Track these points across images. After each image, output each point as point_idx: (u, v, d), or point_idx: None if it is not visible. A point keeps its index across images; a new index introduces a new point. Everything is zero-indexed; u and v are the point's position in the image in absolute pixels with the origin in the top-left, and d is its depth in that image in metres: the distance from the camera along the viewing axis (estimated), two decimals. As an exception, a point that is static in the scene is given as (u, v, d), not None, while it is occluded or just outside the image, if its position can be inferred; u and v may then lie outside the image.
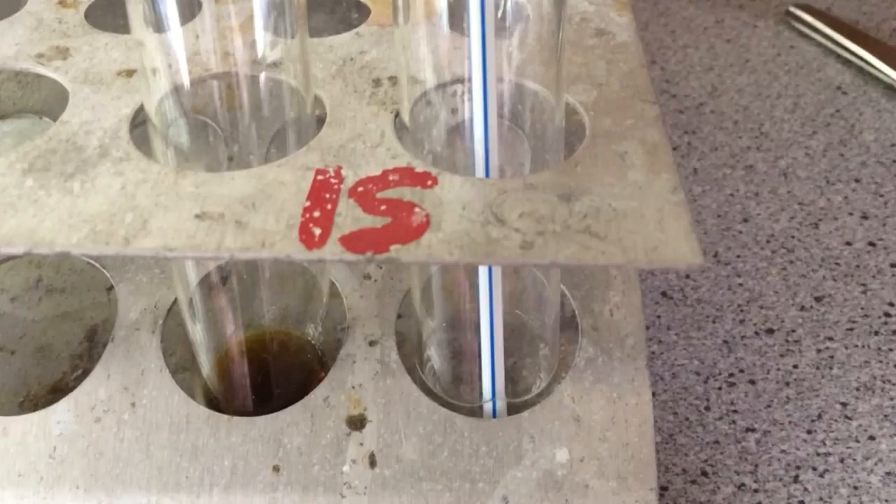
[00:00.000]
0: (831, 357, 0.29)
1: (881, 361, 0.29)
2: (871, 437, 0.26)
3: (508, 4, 0.20)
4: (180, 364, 0.24)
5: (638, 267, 0.17)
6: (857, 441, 0.26)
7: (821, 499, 0.25)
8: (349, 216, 0.18)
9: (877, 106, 0.40)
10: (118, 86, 0.22)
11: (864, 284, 0.32)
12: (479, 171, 0.20)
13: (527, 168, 0.21)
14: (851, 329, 0.30)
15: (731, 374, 0.28)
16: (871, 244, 0.33)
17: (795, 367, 0.29)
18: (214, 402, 0.24)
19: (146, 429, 0.22)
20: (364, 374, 0.22)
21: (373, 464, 0.21)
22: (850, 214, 0.34)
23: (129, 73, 0.23)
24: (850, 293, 0.31)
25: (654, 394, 0.27)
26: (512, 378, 0.24)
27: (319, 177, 0.19)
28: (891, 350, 0.29)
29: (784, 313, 0.31)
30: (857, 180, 0.36)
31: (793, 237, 0.34)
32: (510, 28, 0.20)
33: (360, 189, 0.18)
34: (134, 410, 0.22)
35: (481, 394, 0.23)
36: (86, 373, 0.23)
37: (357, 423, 0.22)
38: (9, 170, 0.19)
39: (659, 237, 0.17)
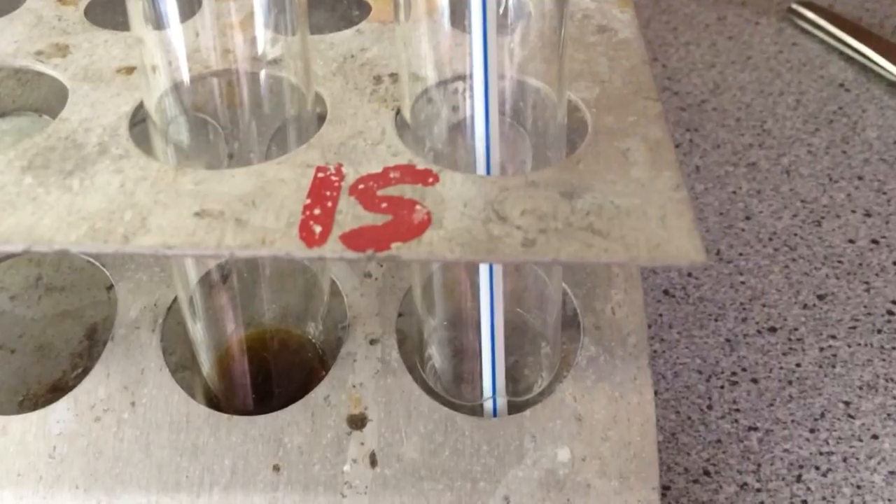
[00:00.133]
0: (834, 356, 0.29)
1: (884, 360, 0.29)
2: (875, 437, 0.26)
3: (510, 1, 0.20)
4: (180, 363, 0.24)
5: (640, 265, 0.17)
6: (861, 440, 0.26)
7: (824, 498, 0.25)
8: (350, 214, 0.18)
9: (879, 103, 0.40)
10: (118, 83, 0.22)
11: (867, 282, 0.31)
12: (481, 168, 0.20)
13: (528, 166, 0.21)
14: (854, 327, 0.30)
15: (734, 373, 0.28)
16: (874, 242, 0.33)
17: (798, 365, 0.29)
18: (214, 401, 0.23)
19: (146, 428, 0.21)
20: (365, 372, 0.22)
21: (373, 463, 0.21)
22: (853, 212, 0.34)
23: (129, 70, 0.23)
24: (852, 291, 0.31)
25: (655, 393, 0.27)
26: (513, 377, 0.24)
27: (320, 174, 0.19)
28: (894, 348, 0.29)
29: (787, 312, 0.30)
30: (859, 178, 0.36)
31: (795, 235, 0.33)
32: (512, 25, 0.20)
33: (361, 186, 0.18)
34: (134, 409, 0.22)
35: (482, 392, 0.23)
36: (85, 371, 0.23)
37: (358, 422, 0.22)
38: (7, 167, 0.19)
39: (662, 235, 0.17)
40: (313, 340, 0.25)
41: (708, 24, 0.47)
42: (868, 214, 0.34)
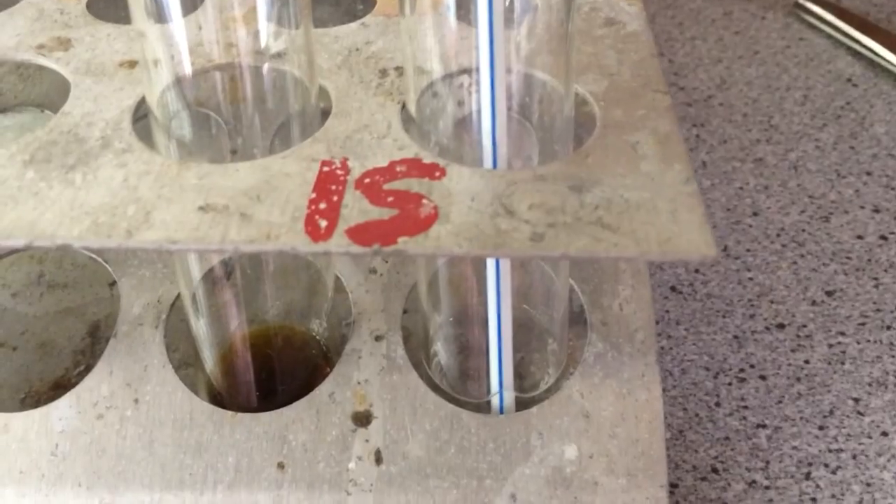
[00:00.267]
0: (843, 352, 0.29)
1: (893, 356, 0.28)
2: (884, 434, 0.26)
3: (517, -7, 0.19)
4: (183, 360, 0.23)
5: (651, 259, 0.16)
6: (870, 437, 0.26)
7: (833, 496, 0.25)
8: (356, 208, 0.17)
9: (888, 98, 0.40)
10: (120, 77, 0.22)
11: (876, 278, 0.31)
12: (487, 163, 0.19)
13: (535, 162, 0.21)
14: (863, 324, 0.30)
15: (742, 370, 0.28)
16: (883, 238, 0.33)
17: (807, 362, 0.28)
18: (218, 399, 0.23)
19: (149, 425, 0.21)
20: (370, 369, 0.22)
21: (379, 461, 0.21)
22: (862, 208, 0.34)
23: (132, 64, 0.23)
24: (861, 287, 0.31)
25: (663, 390, 0.27)
26: (520, 374, 0.23)
27: (325, 168, 0.19)
28: (904, 345, 0.29)
29: (795, 308, 0.30)
30: (868, 173, 0.36)
31: (803, 231, 0.33)
32: (518, 18, 0.20)
33: (367, 180, 0.18)
34: (137, 407, 0.22)
35: (489, 389, 0.22)
36: (88, 369, 0.22)
37: (363, 419, 0.21)
38: (9, 161, 0.19)
39: (672, 229, 0.17)
40: (317, 337, 0.25)
41: (714, 19, 0.46)
42: (877, 210, 0.34)
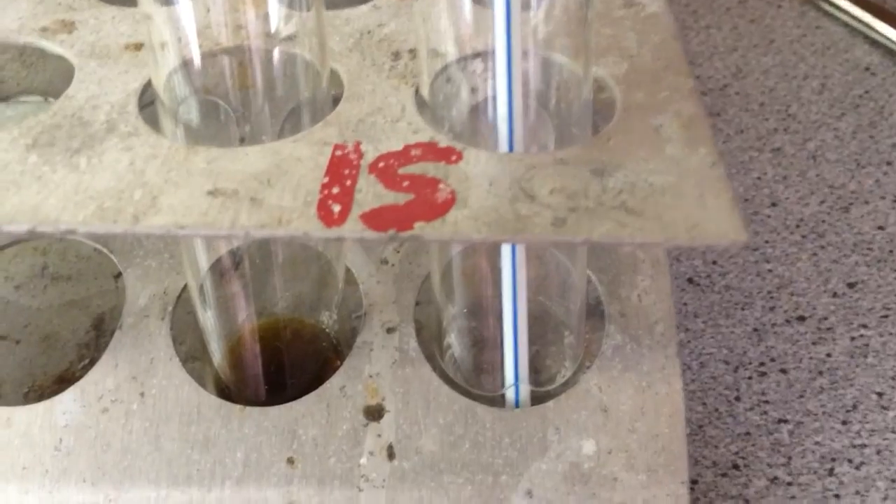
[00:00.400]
0: (866, 345, 0.28)
1: (918, 350, 0.28)
2: (910, 429, 0.25)
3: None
4: (190, 353, 0.23)
5: (678, 245, 0.16)
6: (894, 432, 0.25)
7: (857, 492, 0.24)
8: (370, 192, 0.17)
9: (906, 87, 0.39)
10: (126, 60, 0.22)
11: (898, 270, 0.30)
12: (503, 149, 0.19)
13: (551, 148, 0.20)
14: (886, 316, 0.29)
15: (762, 364, 0.28)
16: (905, 229, 0.32)
17: (829, 355, 0.28)
18: (226, 392, 0.23)
19: (155, 419, 0.21)
20: (382, 362, 0.22)
21: (391, 456, 0.20)
22: (882, 198, 0.33)
23: (138, 46, 0.22)
24: (883, 279, 0.30)
25: (681, 383, 0.26)
26: (535, 367, 0.23)
27: (338, 152, 0.18)
28: (928, 338, 0.28)
29: (816, 300, 0.29)
30: (888, 163, 0.35)
31: (823, 222, 0.32)
32: (535, -1, 0.19)
33: (381, 164, 0.18)
34: (143, 400, 0.21)
35: (503, 382, 0.22)
36: (93, 362, 0.22)
37: (374, 413, 0.21)
38: (12, 145, 0.19)
39: (700, 214, 0.16)
40: (327, 330, 0.24)
41: (729, 8, 0.46)
42: (897, 201, 0.33)
